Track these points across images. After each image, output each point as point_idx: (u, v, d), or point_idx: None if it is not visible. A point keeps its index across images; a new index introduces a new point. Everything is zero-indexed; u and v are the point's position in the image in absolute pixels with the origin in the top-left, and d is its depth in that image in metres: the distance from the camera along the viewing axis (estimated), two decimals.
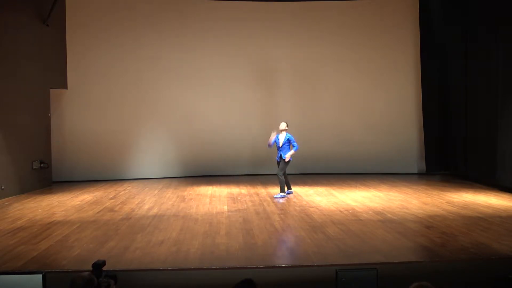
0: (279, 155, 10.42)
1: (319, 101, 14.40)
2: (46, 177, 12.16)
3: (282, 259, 6.05)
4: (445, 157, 13.90)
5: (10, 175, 10.73)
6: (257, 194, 10.75)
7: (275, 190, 11.19)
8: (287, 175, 10.59)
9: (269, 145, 10.54)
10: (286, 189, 10.54)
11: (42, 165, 11.81)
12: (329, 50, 14.36)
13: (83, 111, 13.28)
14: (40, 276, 4.30)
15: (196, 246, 6.37)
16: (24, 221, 8.03)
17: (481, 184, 11.68)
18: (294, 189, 11.28)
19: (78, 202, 9.82)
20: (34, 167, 11.57)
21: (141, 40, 13.55)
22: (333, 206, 9.22)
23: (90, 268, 4.35)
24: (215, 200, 10.12)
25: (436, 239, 6.62)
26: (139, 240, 6.70)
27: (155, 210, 8.95)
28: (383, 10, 14.40)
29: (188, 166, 13.98)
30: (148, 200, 10.06)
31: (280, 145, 10.36)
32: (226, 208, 9.18)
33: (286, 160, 10.26)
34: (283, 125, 10.39)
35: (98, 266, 4.29)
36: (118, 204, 9.58)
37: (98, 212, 8.77)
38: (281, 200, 9.99)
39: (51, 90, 12.53)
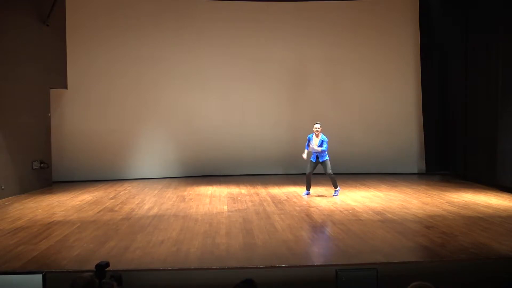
0: (315, 156, 10.39)
1: (318, 101, 14.38)
2: (46, 177, 12.15)
3: (283, 259, 6.05)
4: (445, 157, 13.90)
5: (10, 175, 10.72)
6: (257, 194, 10.75)
7: (275, 190, 11.22)
8: (311, 175, 10.54)
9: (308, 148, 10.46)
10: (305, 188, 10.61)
11: (42, 165, 11.80)
12: (329, 50, 14.33)
13: (83, 111, 13.27)
14: (40, 276, 4.29)
15: (196, 246, 6.37)
16: (24, 221, 8.03)
17: (481, 184, 11.67)
18: (294, 189, 11.31)
19: (78, 202, 9.82)
20: (34, 167, 11.56)
21: (141, 40, 13.54)
22: (333, 206, 9.23)
23: (90, 267, 4.33)
24: (215, 200, 10.12)
25: (436, 239, 6.62)
26: (139, 240, 6.70)
27: (155, 210, 8.95)
28: (383, 10, 14.38)
29: (188, 166, 13.96)
30: (148, 200, 10.05)
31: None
32: (226, 208, 9.18)
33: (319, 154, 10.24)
34: (317, 126, 10.28)
35: (101, 267, 4.26)
36: (118, 204, 9.58)
37: (98, 212, 8.77)
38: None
39: (51, 90, 12.51)
